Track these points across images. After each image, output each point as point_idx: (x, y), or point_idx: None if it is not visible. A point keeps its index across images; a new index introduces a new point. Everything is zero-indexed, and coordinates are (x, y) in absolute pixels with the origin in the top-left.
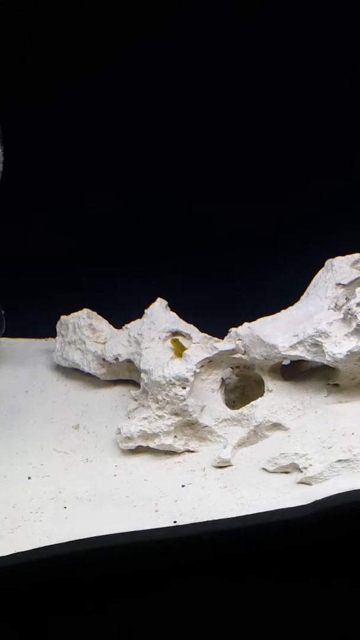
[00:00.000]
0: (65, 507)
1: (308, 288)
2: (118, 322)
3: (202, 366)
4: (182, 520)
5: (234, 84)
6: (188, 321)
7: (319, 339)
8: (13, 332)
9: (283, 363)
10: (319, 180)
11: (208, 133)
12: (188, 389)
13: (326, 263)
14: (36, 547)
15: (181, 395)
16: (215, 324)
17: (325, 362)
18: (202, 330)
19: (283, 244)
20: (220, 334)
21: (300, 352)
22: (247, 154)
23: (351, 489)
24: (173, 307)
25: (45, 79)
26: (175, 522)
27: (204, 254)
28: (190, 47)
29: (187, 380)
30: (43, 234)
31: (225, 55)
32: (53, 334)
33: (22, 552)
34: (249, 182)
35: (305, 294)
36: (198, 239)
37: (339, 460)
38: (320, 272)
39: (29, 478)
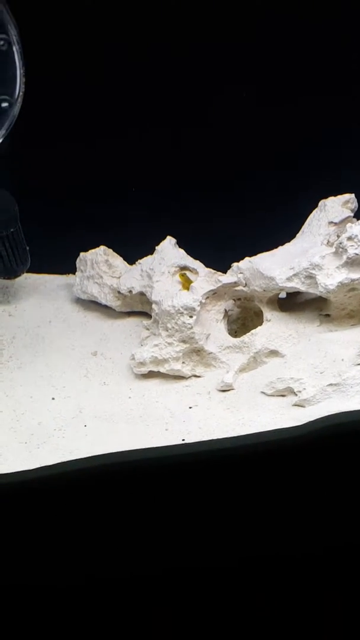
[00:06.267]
0: (85, 426)
1: (303, 227)
2: (130, 259)
3: (207, 297)
4: (190, 438)
5: None
6: (195, 257)
7: (313, 271)
8: (35, 268)
9: (280, 296)
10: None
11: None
12: (195, 317)
13: (320, 203)
14: (60, 461)
15: (188, 324)
16: (219, 261)
17: (318, 294)
18: (207, 266)
19: (283, 185)
20: (224, 269)
21: (296, 284)
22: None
23: (341, 411)
24: (181, 244)
25: None
26: (183, 439)
27: (209, 194)
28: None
29: (194, 309)
30: (59, 175)
31: None
32: (73, 271)
33: (47, 466)
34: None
35: (300, 232)
36: (204, 178)
37: (330, 384)
38: (314, 212)
39: (53, 399)
